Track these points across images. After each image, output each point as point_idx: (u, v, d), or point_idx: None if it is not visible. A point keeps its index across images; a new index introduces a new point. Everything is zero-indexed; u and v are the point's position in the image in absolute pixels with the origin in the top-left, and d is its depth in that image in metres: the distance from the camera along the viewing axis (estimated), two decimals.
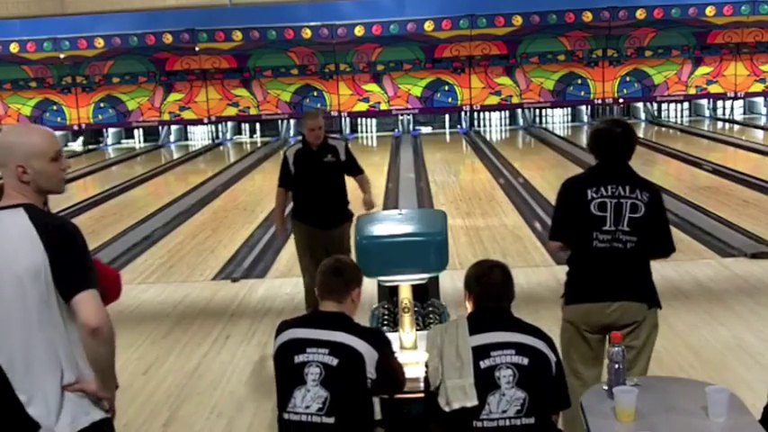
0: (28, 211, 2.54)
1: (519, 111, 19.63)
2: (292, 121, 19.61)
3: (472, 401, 2.93)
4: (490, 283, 3.13)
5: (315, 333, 3.16)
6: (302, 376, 3.10)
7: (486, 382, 2.94)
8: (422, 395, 3.27)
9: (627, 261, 3.80)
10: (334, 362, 3.09)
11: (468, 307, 3.20)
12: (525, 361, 2.96)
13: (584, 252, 3.83)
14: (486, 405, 2.93)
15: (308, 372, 3.09)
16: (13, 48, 18.16)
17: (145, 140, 19.89)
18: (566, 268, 3.98)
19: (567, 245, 3.91)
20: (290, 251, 8.73)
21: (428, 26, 18.16)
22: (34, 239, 2.48)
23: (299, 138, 6.11)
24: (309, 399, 3.08)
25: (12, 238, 2.50)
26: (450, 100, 18.65)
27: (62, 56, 18.26)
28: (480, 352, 2.98)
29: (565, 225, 3.90)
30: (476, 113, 19.47)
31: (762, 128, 18.33)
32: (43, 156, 2.59)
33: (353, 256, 3.86)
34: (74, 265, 2.52)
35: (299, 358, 3.12)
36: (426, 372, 3.13)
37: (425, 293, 4.35)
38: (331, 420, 3.06)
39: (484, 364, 2.96)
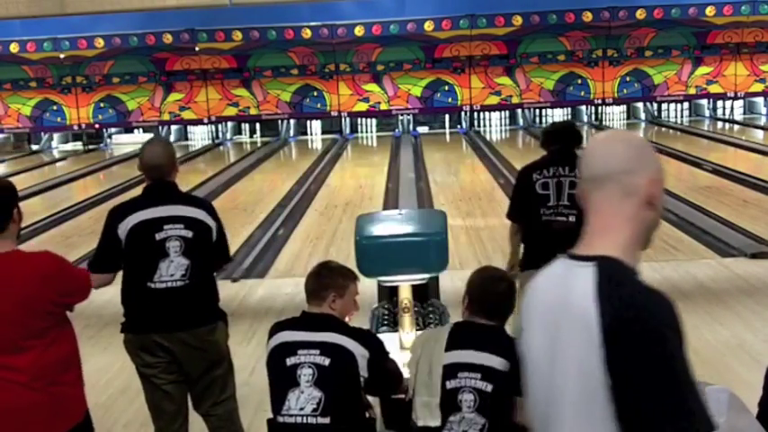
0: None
1: (519, 111, 19.61)
2: (292, 121, 19.62)
3: (435, 422, 2.95)
4: (491, 292, 3.07)
5: (305, 335, 3.17)
6: (295, 378, 3.10)
7: (449, 403, 2.95)
8: None
9: (569, 232, 4.03)
10: (326, 362, 3.09)
11: (465, 313, 3.15)
12: (489, 387, 2.92)
13: (535, 227, 4.54)
14: (447, 423, 2.95)
15: (300, 373, 3.09)
16: (13, 48, 18.14)
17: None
18: None
19: (520, 224, 4.70)
20: (290, 251, 8.74)
21: (428, 26, 18.14)
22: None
23: None
24: (303, 400, 3.08)
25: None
26: (450, 100, 18.63)
27: (62, 56, 18.24)
28: (449, 371, 2.97)
29: (517, 205, 4.72)
30: (476, 113, 19.46)
31: (762, 128, 18.31)
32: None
33: (353, 256, 3.84)
34: None
35: (290, 360, 3.12)
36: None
37: (425, 293, 4.34)
38: (326, 420, 3.05)
39: (450, 384, 2.96)
